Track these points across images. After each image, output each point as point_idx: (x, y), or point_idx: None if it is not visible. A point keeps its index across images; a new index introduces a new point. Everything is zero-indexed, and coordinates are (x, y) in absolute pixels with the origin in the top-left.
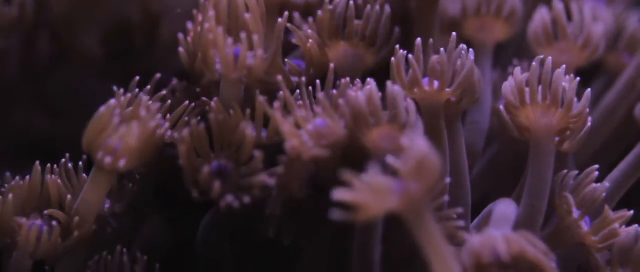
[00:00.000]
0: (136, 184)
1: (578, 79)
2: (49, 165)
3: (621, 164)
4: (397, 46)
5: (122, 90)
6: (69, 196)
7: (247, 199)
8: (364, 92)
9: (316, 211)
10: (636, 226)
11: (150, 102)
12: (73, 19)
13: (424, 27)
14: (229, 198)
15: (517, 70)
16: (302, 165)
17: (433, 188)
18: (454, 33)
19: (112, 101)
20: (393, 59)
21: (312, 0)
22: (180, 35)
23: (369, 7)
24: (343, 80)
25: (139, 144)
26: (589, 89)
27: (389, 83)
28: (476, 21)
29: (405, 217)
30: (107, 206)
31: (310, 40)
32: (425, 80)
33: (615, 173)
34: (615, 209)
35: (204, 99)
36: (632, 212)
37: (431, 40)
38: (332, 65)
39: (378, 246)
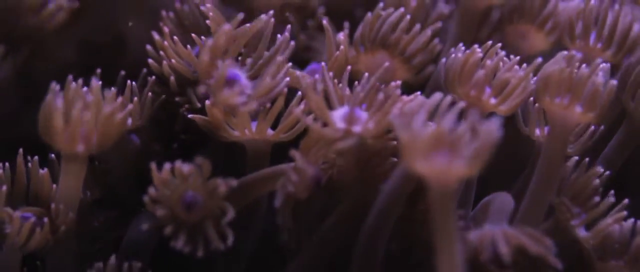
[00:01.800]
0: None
1: (614, 84)
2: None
3: (604, 151)
4: (475, 46)
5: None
6: (54, 186)
7: (199, 253)
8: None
9: (317, 211)
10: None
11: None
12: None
13: (466, 29)
14: (180, 243)
15: (560, 57)
16: (308, 169)
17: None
18: (539, 59)
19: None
20: (460, 55)
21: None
22: (149, 48)
23: (418, 26)
24: (394, 83)
25: (99, 128)
26: (614, 82)
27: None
28: (513, 28)
29: (433, 192)
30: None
31: (342, 47)
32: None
33: (598, 164)
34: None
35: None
36: (625, 213)
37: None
38: (387, 63)
39: (384, 241)
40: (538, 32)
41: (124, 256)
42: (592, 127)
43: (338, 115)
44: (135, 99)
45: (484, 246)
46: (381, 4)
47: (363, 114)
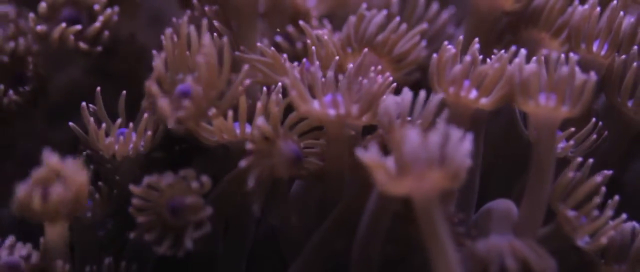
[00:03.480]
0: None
1: (594, 78)
2: None
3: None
4: (445, 43)
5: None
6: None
7: (180, 253)
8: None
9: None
10: (633, 223)
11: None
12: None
13: (476, 34)
14: (164, 246)
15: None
16: (282, 145)
17: (455, 184)
18: (513, 47)
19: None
20: (435, 55)
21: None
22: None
23: (404, 26)
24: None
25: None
26: (592, 76)
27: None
28: (528, 34)
29: (417, 204)
30: (88, 214)
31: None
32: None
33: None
34: None
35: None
36: (624, 216)
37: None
38: (365, 50)
39: (379, 244)
40: (553, 40)
41: (127, 261)
42: (594, 135)
43: (316, 103)
44: (149, 133)
45: (491, 259)
46: (364, 5)
47: (339, 98)
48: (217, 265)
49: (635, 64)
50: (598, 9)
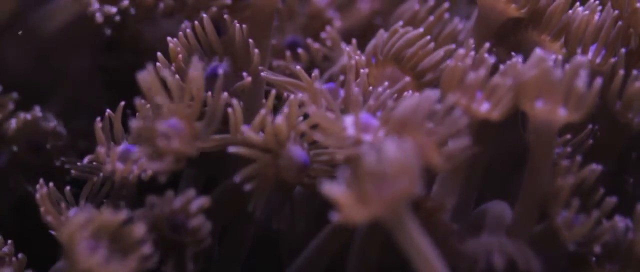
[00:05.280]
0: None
1: (599, 84)
2: None
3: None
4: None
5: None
6: None
7: None
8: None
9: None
10: (625, 220)
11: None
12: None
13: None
14: (170, 267)
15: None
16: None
17: (412, 193)
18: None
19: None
20: (449, 61)
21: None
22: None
23: (432, 44)
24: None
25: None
26: (599, 80)
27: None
28: (529, 36)
29: (387, 223)
30: None
31: (356, 57)
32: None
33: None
34: None
35: None
36: (616, 217)
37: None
38: (407, 78)
39: (375, 252)
40: (553, 42)
41: None
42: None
43: (349, 121)
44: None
45: (479, 257)
46: (400, 22)
47: (374, 122)
48: (212, 268)
49: (621, 71)
50: (597, 15)
